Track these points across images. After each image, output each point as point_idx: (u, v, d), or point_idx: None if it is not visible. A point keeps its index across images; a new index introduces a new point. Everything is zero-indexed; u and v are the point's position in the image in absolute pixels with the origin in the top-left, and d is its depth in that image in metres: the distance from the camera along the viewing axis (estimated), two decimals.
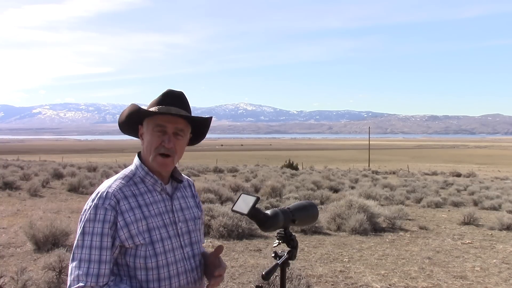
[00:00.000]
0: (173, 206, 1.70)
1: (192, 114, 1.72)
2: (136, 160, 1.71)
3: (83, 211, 1.60)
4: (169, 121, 1.63)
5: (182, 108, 1.67)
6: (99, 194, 1.59)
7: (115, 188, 1.60)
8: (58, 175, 17.64)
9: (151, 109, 1.64)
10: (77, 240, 1.55)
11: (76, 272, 1.50)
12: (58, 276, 4.71)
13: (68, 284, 1.52)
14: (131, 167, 1.70)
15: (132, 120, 1.70)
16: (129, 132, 1.77)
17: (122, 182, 1.64)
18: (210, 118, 1.78)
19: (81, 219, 1.58)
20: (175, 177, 1.76)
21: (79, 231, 1.56)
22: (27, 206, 10.93)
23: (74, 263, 1.52)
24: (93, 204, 1.56)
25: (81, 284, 1.49)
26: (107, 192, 1.58)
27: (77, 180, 14.62)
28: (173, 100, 1.66)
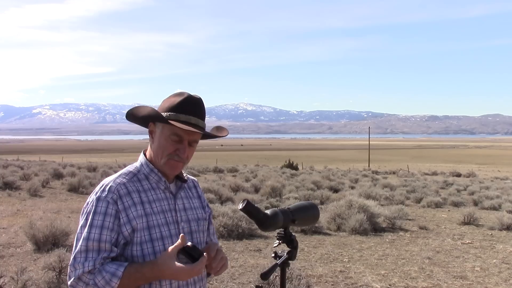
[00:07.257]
0: (176, 205, 1.69)
1: None
2: (141, 157, 1.70)
3: (85, 204, 1.60)
4: (187, 133, 1.59)
5: (200, 116, 1.63)
6: (102, 187, 1.59)
7: (119, 183, 1.60)
8: (58, 175, 17.64)
9: (167, 114, 1.59)
10: (77, 233, 1.57)
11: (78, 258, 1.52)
12: (58, 276, 4.71)
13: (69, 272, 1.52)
14: (136, 164, 1.69)
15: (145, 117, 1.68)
16: (136, 122, 1.76)
17: (126, 177, 1.63)
18: (226, 135, 1.75)
19: (83, 212, 1.59)
20: (179, 176, 1.75)
21: (81, 223, 1.57)
22: (27, 206, 10.92)
23: (76, 251, 1.54)
24: (95, 197, 1.57)
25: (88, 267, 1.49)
26: (111, 186, 1.58)
27: (77, 180, 14.62)
28: (193, 108, 1.61)
